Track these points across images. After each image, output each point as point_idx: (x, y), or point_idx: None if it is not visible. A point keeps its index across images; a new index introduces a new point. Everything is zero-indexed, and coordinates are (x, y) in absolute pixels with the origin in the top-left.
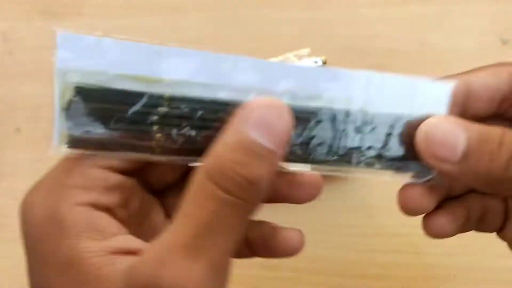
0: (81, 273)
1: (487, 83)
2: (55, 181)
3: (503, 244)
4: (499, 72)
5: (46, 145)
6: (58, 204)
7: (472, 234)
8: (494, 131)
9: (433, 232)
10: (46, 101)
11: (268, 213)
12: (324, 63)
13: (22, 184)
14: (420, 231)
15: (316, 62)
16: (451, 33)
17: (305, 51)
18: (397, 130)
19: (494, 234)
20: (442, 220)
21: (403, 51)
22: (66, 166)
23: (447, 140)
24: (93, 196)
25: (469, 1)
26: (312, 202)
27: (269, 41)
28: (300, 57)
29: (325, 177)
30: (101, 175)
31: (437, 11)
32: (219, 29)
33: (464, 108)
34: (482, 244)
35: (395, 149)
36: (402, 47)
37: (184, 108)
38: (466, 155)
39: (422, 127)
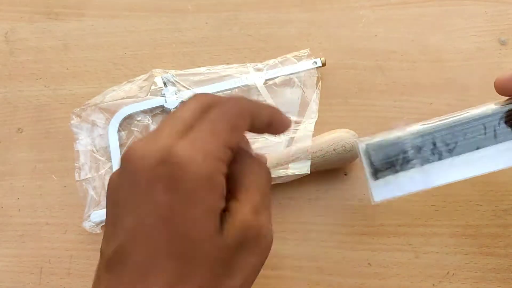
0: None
1: None
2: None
3: (499, 244)
4: None
5: (47, 144)
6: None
7: (468, 234)
8: None
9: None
10: (47, 101)
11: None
12: (324, 64)
13: (23, 184)
14: (417, 230)
15: (315, 63)
16: (450, 34)
17: (304, 51)
18: None
19: (490, 235)
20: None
21: (403, 52)
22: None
23: None
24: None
25: (468, 2)
26: (312, 202)
27: (269, 42)
28: (299, 58)
29: (324, 177)
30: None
31: (436, 12)
32: (219, 30)
33: None
34: (479, 244)
35: None
36: (402, 47)
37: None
38: None
39: None
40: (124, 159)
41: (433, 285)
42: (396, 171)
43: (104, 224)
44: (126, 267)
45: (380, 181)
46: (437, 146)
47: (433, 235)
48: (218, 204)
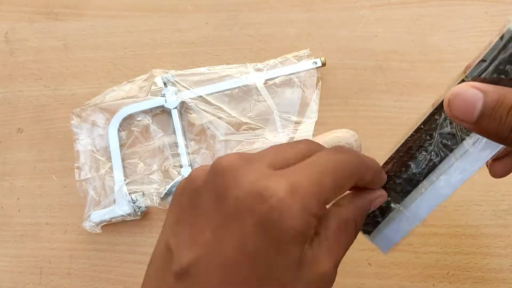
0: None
1: None
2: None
3: (499, 244)
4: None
5: (47, 144)
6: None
7: (468, 234)
8: (509, 97)
9: (492, 174)
10: (47, 101)
11: None
12: (323, 64)
13: (23, 184)
14: (417, 230)
15: (315, 63)
16: (450, 34)
17: (304, 51)
18: None
19: (490, 235)
20: (496, 167)
21: (403, 52)
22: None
23: (465, 107)
24: None
25: (468, 2)
26: None
27: (269, 42)
28: (299, 58)
29: None
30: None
31: (436, 12)
32: (219, 30)
33: None
34: (478, 244)
35: None
36: (402, 47)
37: None
38: (480, 118)
39: (447, 95)
40: (217, 168)
41: (433, 285)
42: (379, 222)
43: (104, 223)
44: (199, 284)
45: (375, 234)
46: (401, 183)
47: (433, 235)
48: (302, 254)
